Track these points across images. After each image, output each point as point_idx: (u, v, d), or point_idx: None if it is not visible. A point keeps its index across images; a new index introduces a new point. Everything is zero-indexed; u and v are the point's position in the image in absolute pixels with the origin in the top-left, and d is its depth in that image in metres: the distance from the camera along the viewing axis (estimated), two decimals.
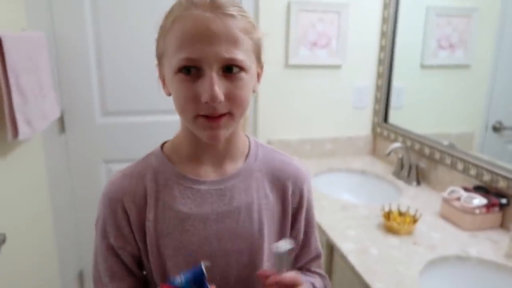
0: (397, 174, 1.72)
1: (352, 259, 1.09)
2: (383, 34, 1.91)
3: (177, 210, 0.66)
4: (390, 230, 1.23)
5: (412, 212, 1.28)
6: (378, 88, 1.98)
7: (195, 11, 0.58)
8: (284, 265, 0.61)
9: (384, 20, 1.89)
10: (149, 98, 1.78)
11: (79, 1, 1.62)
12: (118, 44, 1.71)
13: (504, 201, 1.23)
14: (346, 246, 1.15)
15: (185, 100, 0.60)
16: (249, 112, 0.71)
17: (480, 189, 1.30)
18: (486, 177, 1.31)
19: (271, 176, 0.74)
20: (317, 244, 0.82)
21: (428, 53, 1.70)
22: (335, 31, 1.86)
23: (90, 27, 1.67)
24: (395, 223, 1.23)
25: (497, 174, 1.26)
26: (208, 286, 0.52)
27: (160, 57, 0.65)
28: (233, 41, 0.58)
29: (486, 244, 1.16)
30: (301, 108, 1.93)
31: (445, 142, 1.55)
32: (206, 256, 0.64)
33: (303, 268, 0.80)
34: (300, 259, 0.80)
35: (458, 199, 1.28)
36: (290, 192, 0.74)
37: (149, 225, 0.66)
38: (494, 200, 1.23)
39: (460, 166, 1.43)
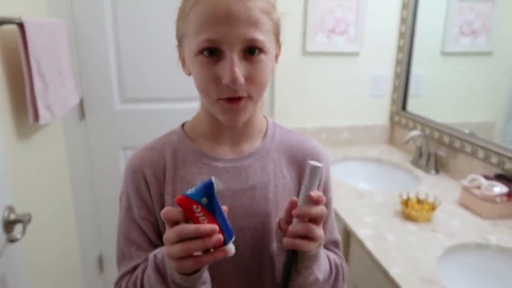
0: (415, 162, 1.70)
1: (369, 244, 1.08)
2: (403, 21, 1.87)
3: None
4: (408, 217, 1.22)
5: (430, 199, 1.27)
6: (396, 75, 1.95)
7: None
8: (315, 182, 0.60)
9: (404, 6, 1.85)
10: (167, 86, 1.80)
11: None
12: (136, 32, 1.72)
13: None
14: (363, 232, 1.15)
15: (206, 82, 0.61)
16: (265, 95, 0.71)
17: (502, 178, 1.27)
18: (508, 165, 1.28)
19: (288, 155, 0.74)
20: (334, 231, 0.81)
21: (449, 40, 1.66)
22: (354, 17, 1.83)
23: (109, 14, 1.69)
24: (413, 210, 1.22)
25: None
26: (217, 197, 0.54)
27: (180, 38, 0.66)
28: (254, 23, 0.58)
29: (506, 232, 1.14)
30: (318, 96, 1.92)
31: (466, 131, 1.52)
32: None
33: None
34: None
35: (478, 187, 1.26)
36: None
37: (168, 198, 0.68)
38: None
39: (481, 154, 1.40)
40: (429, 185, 1.49)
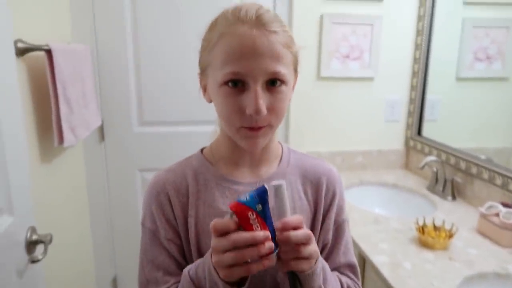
0: (432, 188, 1.68)
1: (385, 272, 1.07)
2: (417, 47, 1.89)
3: (217, 208, 0.70)
4: (424, 244, 1.21)
5: (447, 226, 1.25)
6: (411, 100, 1.96)
7: (241, 27, 0.61)
8: (285, 201, 0.58)
9: (418, 32, 1.88)
10: (185, 109, 1.84)
11: (120, 16, 1.71)
12: (156, 57, 1.78)
13: None
14: (379, 259, 1.14)
15: (230, 112, 0.64)
16: None
17: None
18: None
19: (304, 178, 0.76)
20: (349, 254, 0.80)
21: (464, 66, 1.67)
22: (368, 43, 1.86)
23: (130, 41, 1.75)
24: (429, 237, 1.21)
25: None
26: (269, 205, 0.55)
27: (204, 68, 0.69)
28: (276, 56, 0.62)
29: None
30: (333, 121, 1.94)
31: (483, 157, 1.50)
32: None
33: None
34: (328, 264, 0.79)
35: (497, 214, 1.24)
36: (324, 189, 0.76)
37: (191, 221, 0.70)
38: None
39: (498, 181, 1.38)
40: (446, 212, 1.47)
